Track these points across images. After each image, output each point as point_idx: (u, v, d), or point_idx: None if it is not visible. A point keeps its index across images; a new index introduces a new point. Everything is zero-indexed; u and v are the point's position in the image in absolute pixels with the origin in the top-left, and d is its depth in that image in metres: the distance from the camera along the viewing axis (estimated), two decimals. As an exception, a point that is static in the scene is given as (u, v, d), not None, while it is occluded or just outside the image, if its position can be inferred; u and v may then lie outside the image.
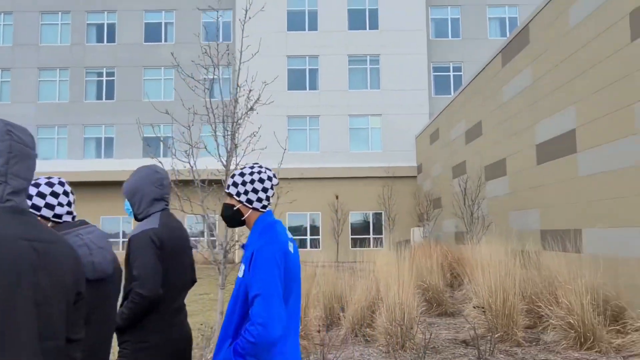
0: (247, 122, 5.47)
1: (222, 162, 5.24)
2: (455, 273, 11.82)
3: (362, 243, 25.06)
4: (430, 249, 11.39)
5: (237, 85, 5.29)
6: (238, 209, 2.43)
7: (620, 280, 7.31)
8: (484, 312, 6.65)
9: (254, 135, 5.20)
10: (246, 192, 2.41)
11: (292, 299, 2.30)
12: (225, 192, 2.48)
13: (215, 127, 5.31)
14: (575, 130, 9.92)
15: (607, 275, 7.16)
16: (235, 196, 2.43)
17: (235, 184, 2.44)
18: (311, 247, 25.15)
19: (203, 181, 5.36)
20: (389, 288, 6.86)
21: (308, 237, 25.43)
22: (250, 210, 2.42)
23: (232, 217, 2.45)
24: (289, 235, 2.45)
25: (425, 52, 26.47)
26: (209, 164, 5.43)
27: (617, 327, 6.46)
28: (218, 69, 5.33)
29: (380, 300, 6.99)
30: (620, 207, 8.41)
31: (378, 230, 25.58)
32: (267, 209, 2.48)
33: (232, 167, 5.29)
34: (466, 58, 27.30)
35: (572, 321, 6.20)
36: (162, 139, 25.21)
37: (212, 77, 5.49)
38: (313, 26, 26.67)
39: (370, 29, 26.67)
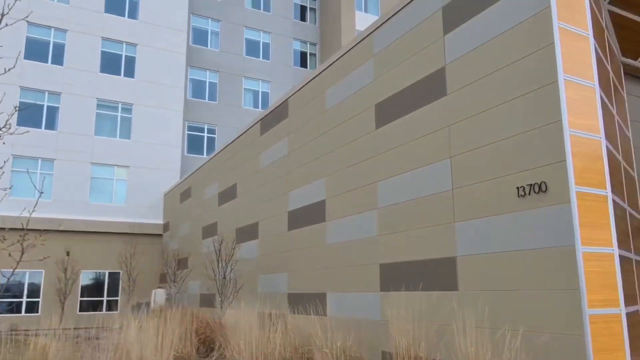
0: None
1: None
2: (203, 338, 11.29)
3: (94, 306, 22.31)
4: (181, 313, 10.70)
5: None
6: None
7: (363, 342, 7.97)
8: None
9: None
10: None
11: None
12: None
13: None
14: (325, 201, 10.86)
15: (353, 337, 7.71)
16: None
17: None
18: (27, 311, 21.23)
19: None
20: (143, 361, 6.04)
21: (24, 299, 21.44)
22: None
23: None
24: None
25: (181, 110, 26.28)
26: None
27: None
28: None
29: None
30: (360, 274, 9.36)
31: (113, 291, 23.20)
32: None
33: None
34: (221, 122, 28.09)
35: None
36: None
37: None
38: (58, 60, 24.00)
39: (125, 76, 25.32)
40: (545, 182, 5.94)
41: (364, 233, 9.41)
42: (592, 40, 6.27)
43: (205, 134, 27.88)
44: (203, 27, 29.14)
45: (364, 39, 10.06)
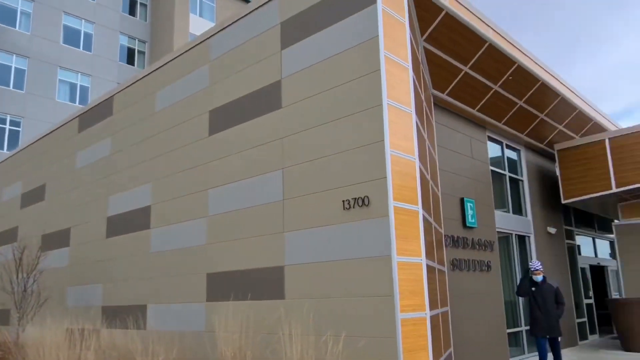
0: None
1: None
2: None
3: None
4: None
5: None
6: None
7: (187, 354, 7.68)
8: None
9: None
10: None
11: None
12: None
13: None
14: (151, 207, 10.28)
15: (176, 350, 7.39)
16: None
17: None
18: None
19: None
20: None
21: None
22: None
23: None
24: None
25: (-23, 96, 22.66)
26: None
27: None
28: None
29: None
30: (185, 284, 9.03)
31: None
32: None
33: None
34: (29, 114, 24.87)
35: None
36: None
37: None
38: None
39: None
40: (368, 197, 6.43)
41: (192, 241, 9.11)
42: (410, 71, 7.02)
43: (8, 126, 24.42)
44: (11, 5, 25.63)
45: (200, 43, 9.84)
